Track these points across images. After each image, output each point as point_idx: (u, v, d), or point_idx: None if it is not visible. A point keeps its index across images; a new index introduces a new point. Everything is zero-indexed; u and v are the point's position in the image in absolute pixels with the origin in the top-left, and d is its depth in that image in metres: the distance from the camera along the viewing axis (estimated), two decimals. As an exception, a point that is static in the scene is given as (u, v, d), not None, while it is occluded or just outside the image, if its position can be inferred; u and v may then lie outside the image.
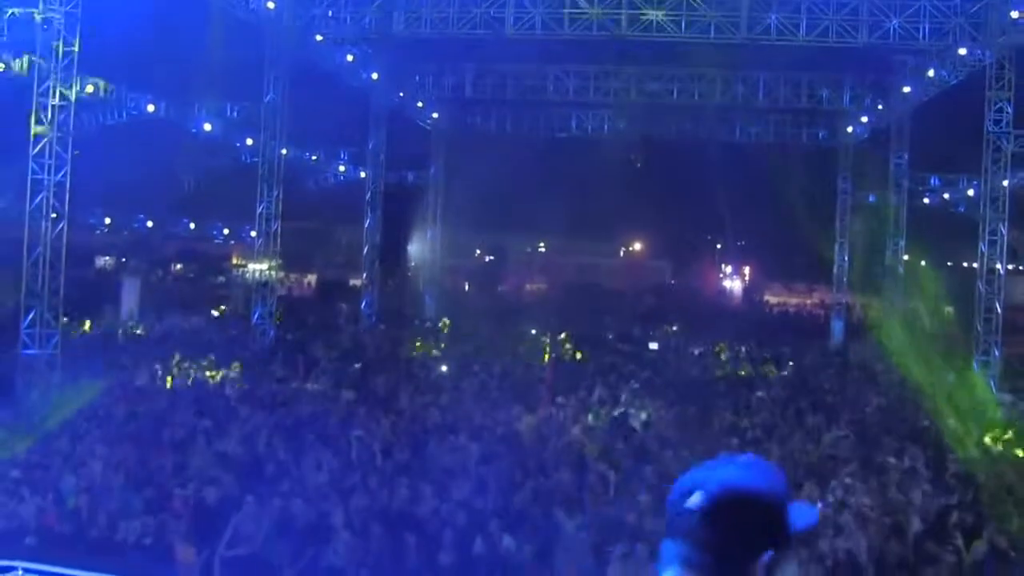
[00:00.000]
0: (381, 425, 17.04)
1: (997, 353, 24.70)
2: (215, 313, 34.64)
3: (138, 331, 30.76)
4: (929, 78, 27.42)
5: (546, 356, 27.47)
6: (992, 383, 24.30)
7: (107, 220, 33.66)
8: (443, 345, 30.69)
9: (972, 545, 11.75)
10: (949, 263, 43.92)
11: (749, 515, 2.08)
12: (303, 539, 11.23)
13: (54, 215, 19.79)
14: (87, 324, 29.44)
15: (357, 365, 25.08)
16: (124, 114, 26.54)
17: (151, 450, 14.45)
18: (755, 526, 2.09)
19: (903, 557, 11.35)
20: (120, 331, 30.41)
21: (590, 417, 19.05)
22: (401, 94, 34.35)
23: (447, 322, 35.79)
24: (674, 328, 36.66)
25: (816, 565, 10.70)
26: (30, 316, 19.38)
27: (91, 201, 29.37)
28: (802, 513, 2.17)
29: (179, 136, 28.95)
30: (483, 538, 11.08)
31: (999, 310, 24.74)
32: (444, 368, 25.50)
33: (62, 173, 19.88)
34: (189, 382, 22.11)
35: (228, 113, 29.11)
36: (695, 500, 2.05)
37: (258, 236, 28.40)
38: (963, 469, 15.83)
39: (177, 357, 23.65)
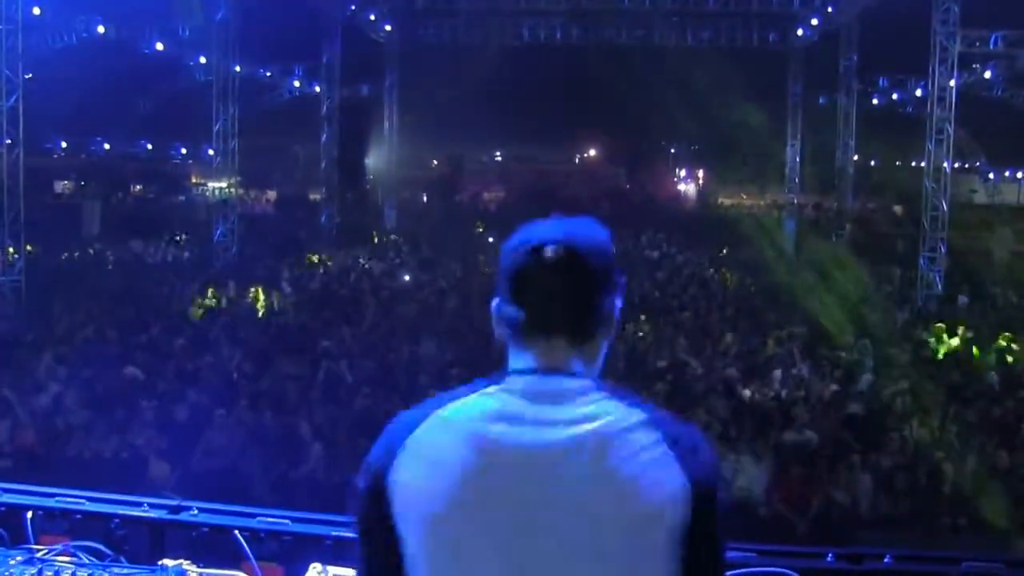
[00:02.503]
0: (346, 335, 17.38)
1: (943, 249, 25.39)
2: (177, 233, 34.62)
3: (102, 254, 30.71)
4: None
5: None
6: (938, 278, 25.07)
7: (63, 144, 33.37)
8: (403, 255, 31.00)
9: (915, 430, 12.45)
10: (898, 163, 44.58)
11: (602, 259, 1.97)
12: (275, 451, 11.64)
13: (8, 141, 19.75)
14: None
15: (320, 275, 25.40)
16: (74, 36, 26.26)
17: (122, 368, 14.61)
18: (608, 270, 1.99)
19: (851, 443, 11.99)
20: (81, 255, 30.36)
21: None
22: (353, 7, 34.06)
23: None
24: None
25: (771, 455, 11.34)
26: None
27: (46, 126, 29.09)
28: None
29: (131, 57, 28.65)
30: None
31: (945, 208, 25.36)
32: (407, 277, 25.89)
33: (14, 98, 19.79)
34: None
35: (180, 32, 28.80)
36: (550, 251, 1.91)
37: (216, 154, 28.38)
38: (907, 360, 16.56)
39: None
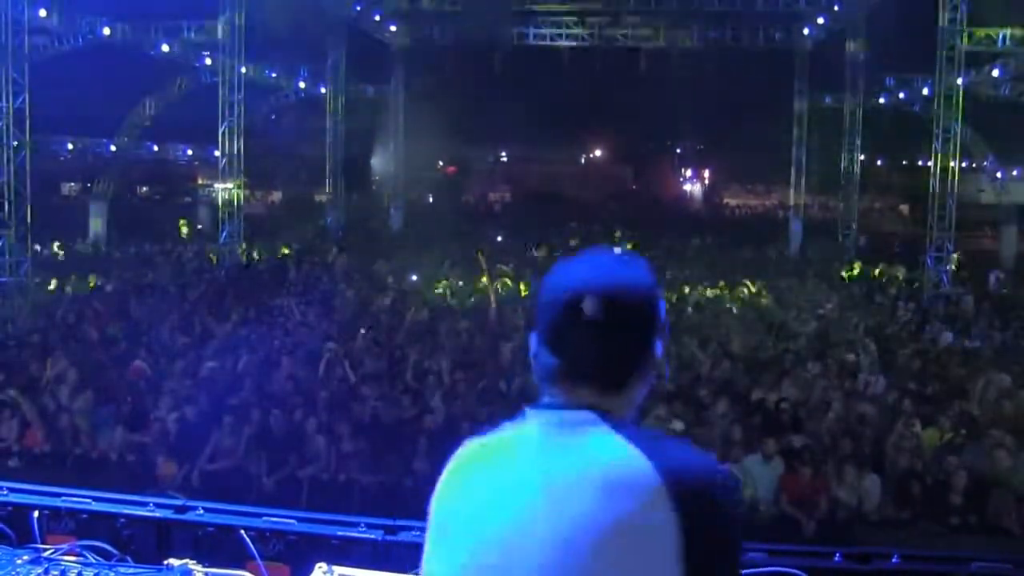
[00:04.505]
0: (353, 337, 17.36)
1: (951, 249, 25.33)
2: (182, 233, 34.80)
3: (110, 253, 30.85)
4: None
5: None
6: (945, 278, 25.01)
7: (69, 146, 33.56)
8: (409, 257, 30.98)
9: (926, 432, 12.38)
10: (904, 162, 44.51)
11: (642, 311, 1.91)
12: (282, 451, 11.64)
13: (15, 143, 19.81)
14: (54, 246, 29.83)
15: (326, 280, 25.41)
16: (80, 38, 26.31)
17: (126, 369, 14.61)
18: (649, 320, 1.93)
19: (860, 447, 11.93)
20: (91, 254, 30.51)
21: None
22: (358, 8, 34.10)
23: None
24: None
25: (778, 456, 11.30)
26: (-1, 243, 19.57)
27: (52, 128, 29.22)
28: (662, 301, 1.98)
29: (137, 59, 28.72)
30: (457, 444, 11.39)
31: (952, 207, 25.29)
32: (415, 278, 25.91)
33: (21, 99, 19.84)
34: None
35: (185, 34, 28.81)
36: (589, 308, 1.84)
37: (222, 156, 28.40)
38: (915, 362, 16.50)
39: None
